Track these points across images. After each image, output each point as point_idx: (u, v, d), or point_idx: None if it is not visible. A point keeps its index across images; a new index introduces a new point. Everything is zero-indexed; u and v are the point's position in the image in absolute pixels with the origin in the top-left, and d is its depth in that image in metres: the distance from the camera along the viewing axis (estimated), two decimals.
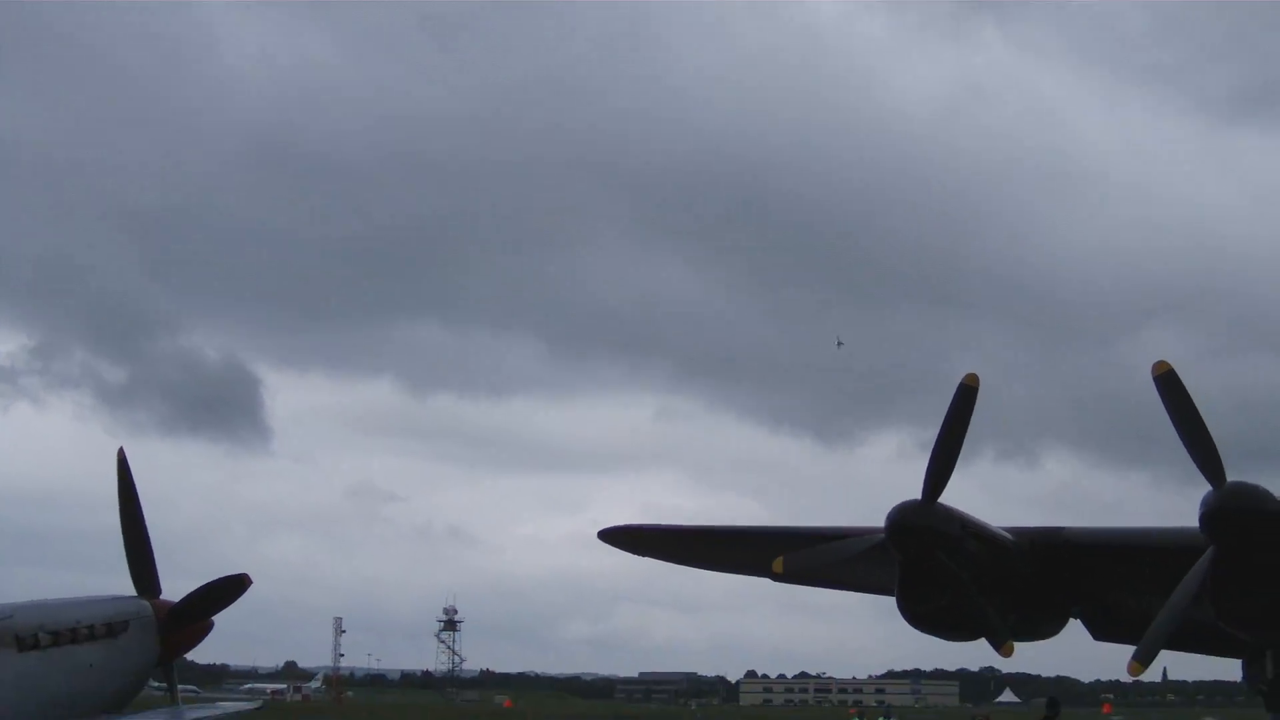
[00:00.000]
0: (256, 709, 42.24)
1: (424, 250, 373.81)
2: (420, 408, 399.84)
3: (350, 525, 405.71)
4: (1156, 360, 20.55)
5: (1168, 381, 20.45)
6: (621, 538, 28.27)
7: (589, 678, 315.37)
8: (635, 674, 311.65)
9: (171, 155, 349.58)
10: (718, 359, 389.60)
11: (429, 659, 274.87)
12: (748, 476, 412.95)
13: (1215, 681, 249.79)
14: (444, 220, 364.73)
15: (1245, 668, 25.11)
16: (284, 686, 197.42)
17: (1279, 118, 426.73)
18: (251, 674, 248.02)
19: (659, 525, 28.71)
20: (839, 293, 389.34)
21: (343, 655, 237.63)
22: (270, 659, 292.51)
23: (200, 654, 34.11)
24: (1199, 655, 27.37)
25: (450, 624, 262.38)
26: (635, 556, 28.93)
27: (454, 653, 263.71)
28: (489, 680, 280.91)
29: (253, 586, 25.12)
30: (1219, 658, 27.46)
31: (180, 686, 26.20)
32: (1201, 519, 20.33)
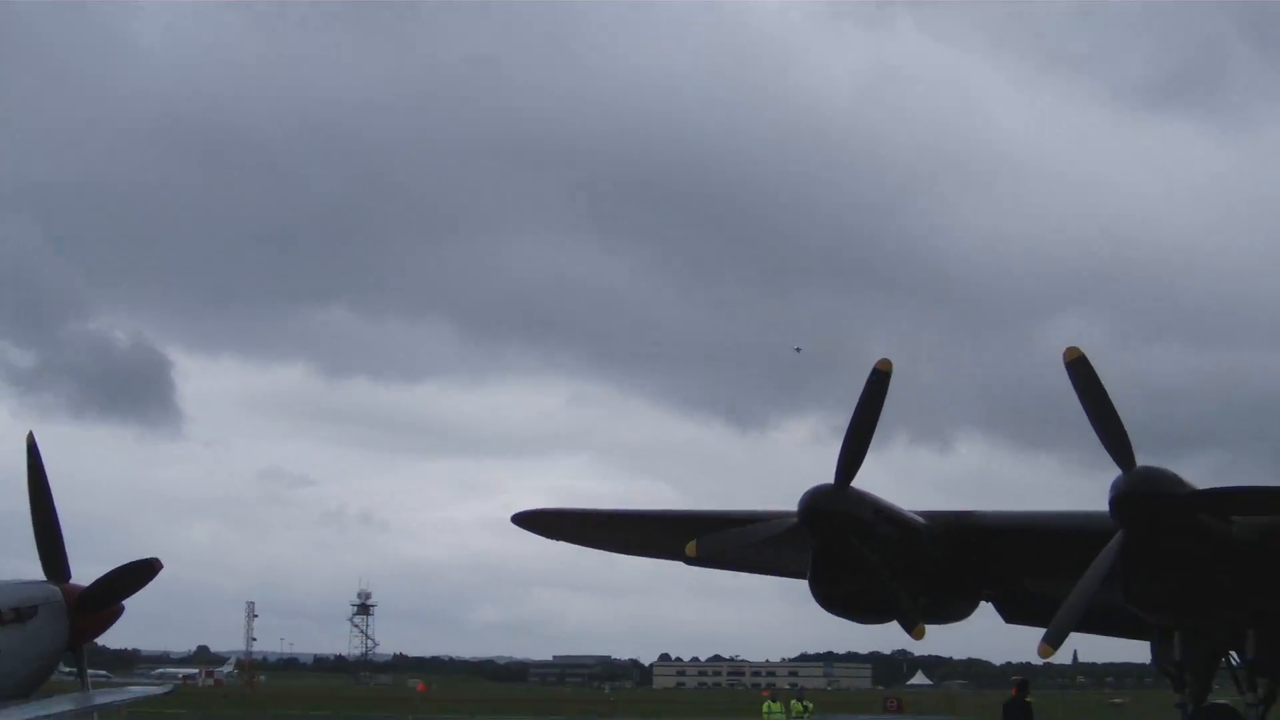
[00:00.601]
0: (165, 693, 42.03)
1: (337, 233, 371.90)
2: (333, 392, 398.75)
3: (262, 509, 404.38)
4: (1068, 346, 20.72)
5: (1078, 367, 20.61)
6: (535, 522, 28.26)
7: (503, 661, 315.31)
8: (549, 657, 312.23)
9: (80, 132, 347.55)
10: (631, 343, 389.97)
11: (342, 643, 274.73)
12: (661, 461, 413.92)
13: (1125, 663, 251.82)
14: (358, 203, 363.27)
15: (1154, 650, 25.32)
16: (196, 672, 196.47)
17: (1193, 106, 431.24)
18: (163, 659, 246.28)
19: (572, 509, 28.72)
20: (753, 275, 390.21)
21: (255, 639, 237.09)
22: (182, 644, 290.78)
23: (111, 639, 33.86)
24: (1109, 637, 27.64)
25: (363, 608, 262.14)
26: (549, 540, 28.96)
27: (367, 637, 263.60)
28: (402, 664, 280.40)
29: (164, 571, 24.91)
30: (1128, 640, 27.70)
31: (91, 671, 25.96)
32: (1111, 503, 20.49)
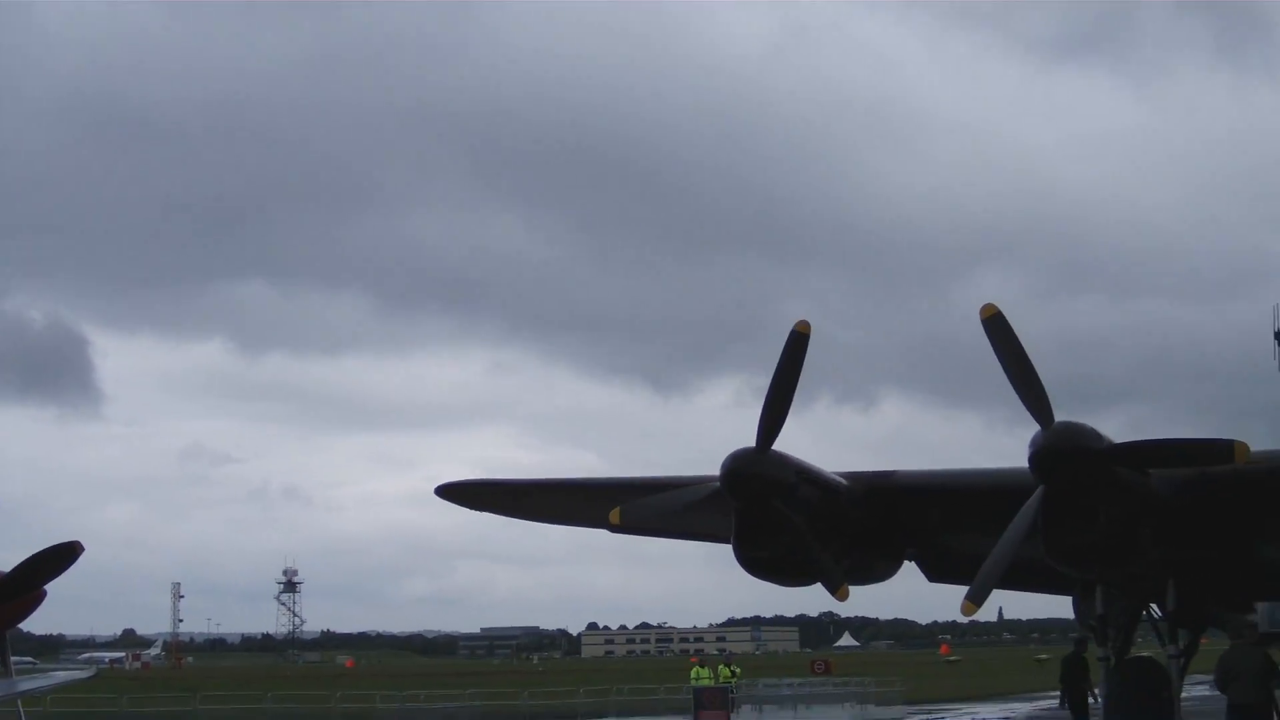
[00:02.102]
0: (91, 677, 41.69)
1: (251, 207, 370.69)
2: (251, 368, 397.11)
3: (185, 489, 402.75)
4: (984, 304, 20.78)
5: (995, 324, 20.67)
6: (459, 494, 28.16)
7: (431, 635, 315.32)
8: (477, 630, 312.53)
9: None
10: (550, 310, 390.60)
11: (269, 621, 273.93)
12: (583, 428, 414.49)
13: (1049, 619, 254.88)
14: (271, 176, 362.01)
15: (1076, 604, 25.52)
16: (122, 655, 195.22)
17: (1102, 60, 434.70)
18: (89, 643, 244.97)
19: (496, 480, 28.69)
20: (671, 239, 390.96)
21: (181, 621, 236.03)
22: (108, 626, 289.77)
23: (34, 624, 33.69)
24: (1032, 594, 27.85)
25: (290, 586, 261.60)
26: (474, 512, 28.90)
27: (294, 614, 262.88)
28: (330, 641, 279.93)
29: (87, 553, 24.71)
30: (1051, 595, 27.93)
31: (15, 658, 25.79)
32: (1031, 459, 20.59)
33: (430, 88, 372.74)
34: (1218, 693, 25.27)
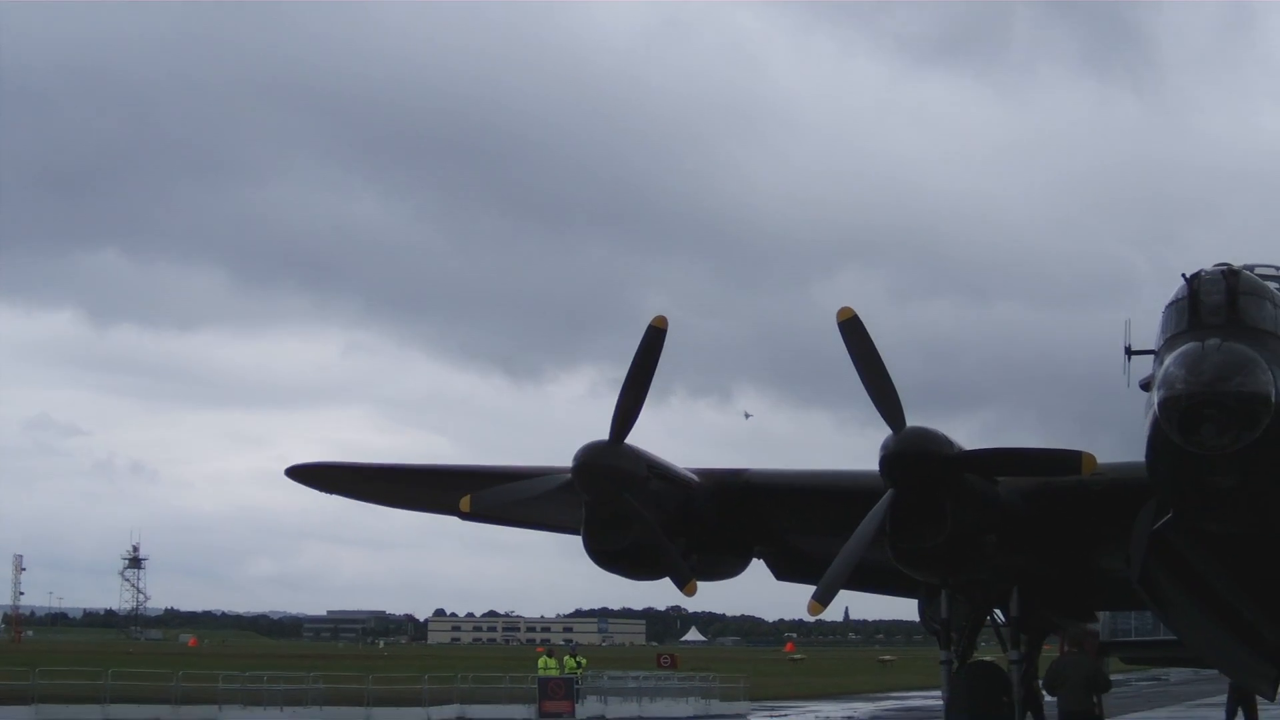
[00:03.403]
0: None
1: (107, 175, 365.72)
2: (102, 339, 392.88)
3: (30, 460, 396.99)
4: (841, 306, 20.91)
5: (851, 327, 20.81)
6: (310, 475, 27.90)
7: (276, 616, 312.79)
8: (323, 612, 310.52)
9: None
10: (407, 292, 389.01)
11: (112, 597, 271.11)
12: (437, 413, 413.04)
13: (894, 621, 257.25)
14: (129, 144, 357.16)
15: (921, 607, 25.71)
16: None
17: (969, 64, 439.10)
18: None
19: (348, 463, 28.47)
20: (531, 226, 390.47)
21: (22, 594, 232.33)
22: None
23: None
24: (878, 595, 28.04)
25: (134, 561, 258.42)
26: (324, 494, 28.63)
27: (138, 591, 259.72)
28: (174, 619, 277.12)
29: None
30: (897, 598, 28.13)
31: None
32: (881, 462, 20.75)
33: (293, 64, 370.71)
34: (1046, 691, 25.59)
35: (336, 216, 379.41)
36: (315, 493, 28.45)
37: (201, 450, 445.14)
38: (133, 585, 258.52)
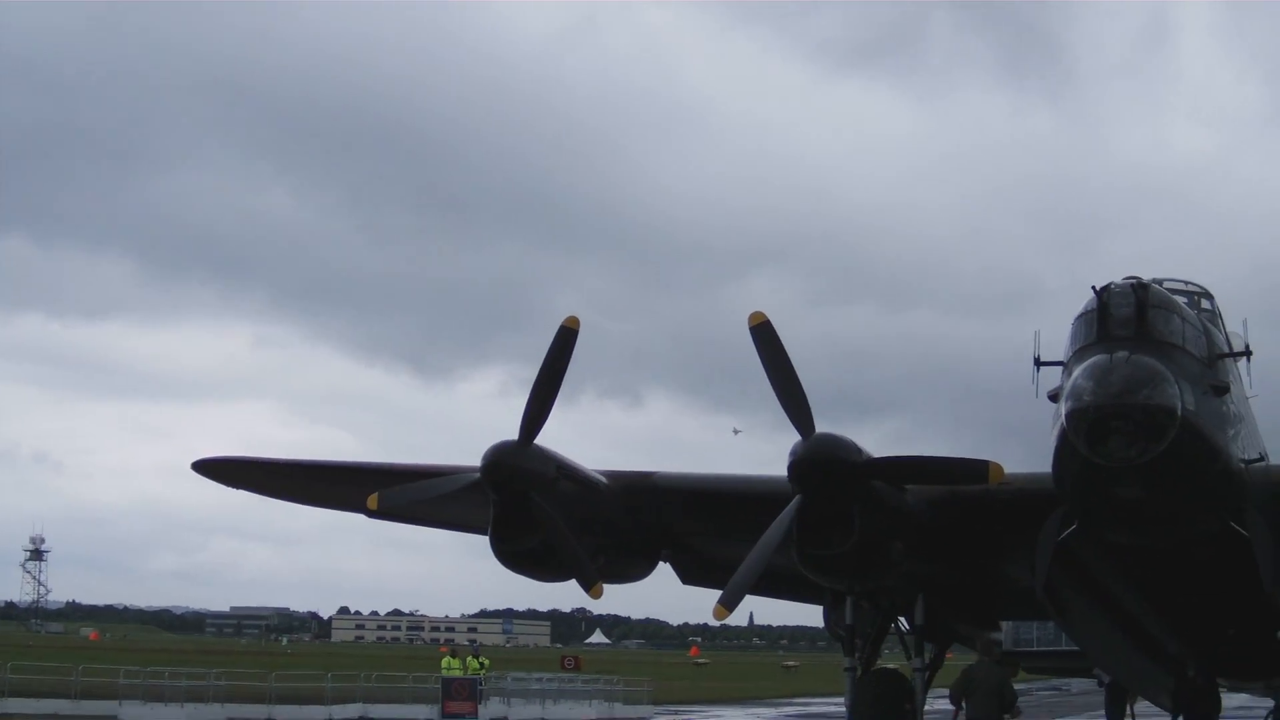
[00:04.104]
0: None
1: (13, 160, 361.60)
2: (6, 327, 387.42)
3: None
4: (752, 311, 20.93)
5: (762, 333, 20.85)
6: (216, 469, 27.75)
7: (179, 611, 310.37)
8: (226, 608, 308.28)
9: None
10: (317, 286, 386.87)
11: (13, 589, 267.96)
12: (345, 409, 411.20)
13: (799, 626, 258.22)
14: (36, 130, 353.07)
15: (826, 613, 25.74)
16: None
17: (887, 70, 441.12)
18: None
19: (254, 458, 28.27)
20: (443, 222, 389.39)
21: None
22: None
23: None
24: (784, 601, 28.09)
25: (36, 554, 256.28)
26: (230, 489, 28.44)
27: (39, 583, 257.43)
28: (75, 612, 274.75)
29: None
30: (803, 603, 28.17)
31: None
32: (789, 468, 20.78)
33: (205, 54, 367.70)
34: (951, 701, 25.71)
35: (247, 208, 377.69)
36: (221, 487, 28.31)
37: (106, 442, 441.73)
38: (34, 578, 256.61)
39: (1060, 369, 18.77)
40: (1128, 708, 32.23)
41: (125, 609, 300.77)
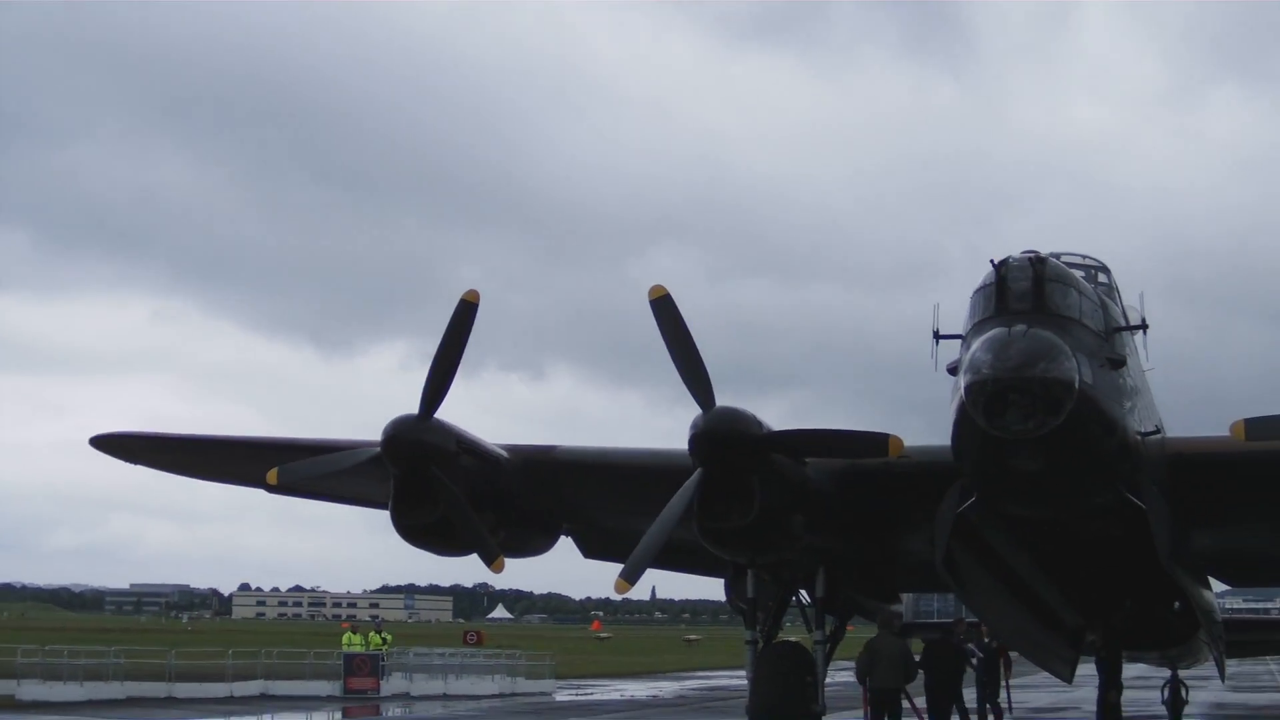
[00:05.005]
0: None
1: None
2: None
3: None
4: (653, 284, 20.96)
5: (662, 306, 20.90)
6: (114, 445, 27.61)
7: (78, 589, 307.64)
8: (126, 585, 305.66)
9: None
10: (216, 260, 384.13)
11: None
12: (244, 384, 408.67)
13: (701, 600, 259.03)
14: None
15: (727, 586, 25.82)
16: None
17: (789, 45, 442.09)
18: None
19: (153, 433, 28.17)
20: (343, 195, 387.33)
21: None
22: None
23: None
24: (686, 574, 28.19)
25: None
26: (128, 465, 28.25)
27: None
28: None
29: None
30: (704, 577, 28.28)
31: None
32: (690, 442, 20.86)
33: (98, 23, 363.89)
34: (856, 679, 25.85)
35: (144, 181, 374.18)
36: (120, 463, 28.11)
37: (1, 418, 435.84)
38: None
39: (959, 342, 18.87)
40: (1003, 680, 32.30)
41: (23, 587, 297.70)
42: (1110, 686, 27.17)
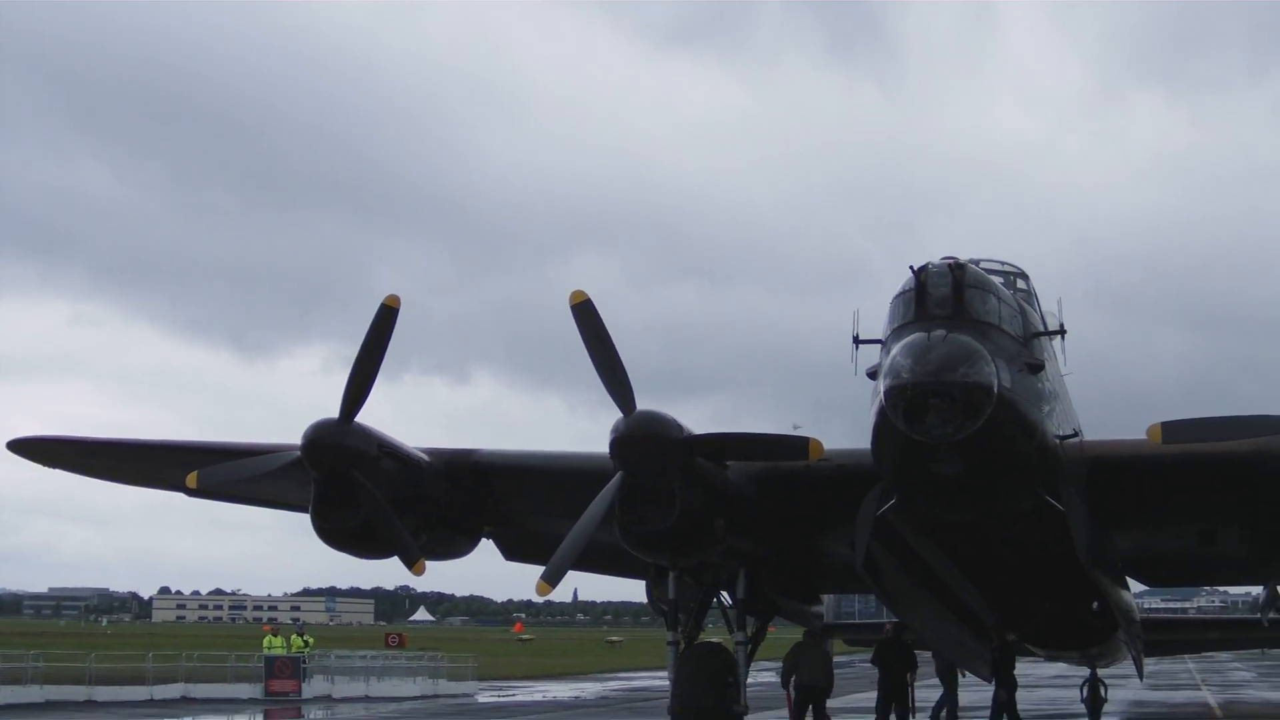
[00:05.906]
0: None
1: None
2: None
3: None
4: (574, 289, 21.03)
5: (583, 311, 20.97)
6: (32, 449, 27.44)
7: None
8: (45, 589, 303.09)
9: None
10: (135, 264, 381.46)
11: None
12: (164, 388, 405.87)
13: (622, 602, 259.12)
14: None
15: (649, 588, 25.90)
16: None
17: (714, 49, 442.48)
18: None
19: (71, 437, 27.98)
20: (263, 198, 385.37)
21: None
22: None
23: None
24: (608, 576, 28.29)
25: None
26: (46, 469, 28.07)
27: None
28: None
29: None
30: (626, 579, 28.38)
31: None
32: (611, 445, 20.94)
33: (31, 25, 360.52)
34: (780, 681, 26.07)
35: (61, 184, 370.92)
36: (37, 467, 27.94)
37: None
38: None
39: (879, 347, 18.96)
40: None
41: None
42: (1000, 684, 27.52)
